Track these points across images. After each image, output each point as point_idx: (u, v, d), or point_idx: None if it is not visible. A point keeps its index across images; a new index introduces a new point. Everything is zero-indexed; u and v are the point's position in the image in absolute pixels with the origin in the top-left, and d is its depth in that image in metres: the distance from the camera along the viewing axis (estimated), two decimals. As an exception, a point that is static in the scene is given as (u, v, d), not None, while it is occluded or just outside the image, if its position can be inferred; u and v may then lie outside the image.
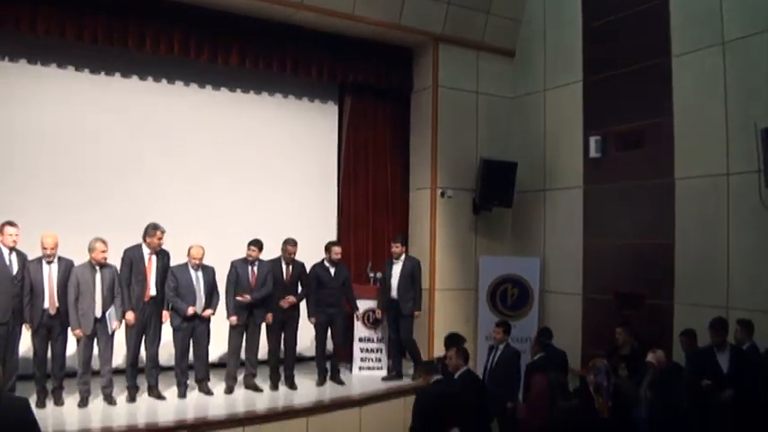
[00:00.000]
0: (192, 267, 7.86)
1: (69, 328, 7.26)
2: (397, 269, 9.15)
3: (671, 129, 8.66)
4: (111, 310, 7.32)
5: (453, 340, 7.39)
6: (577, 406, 5.72)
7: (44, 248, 7.09)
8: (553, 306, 10.18)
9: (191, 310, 7.71)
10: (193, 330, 7.88)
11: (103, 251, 7.25)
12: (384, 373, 9.30)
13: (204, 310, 7.86)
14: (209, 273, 8.01)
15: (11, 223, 6.99)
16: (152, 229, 7.63)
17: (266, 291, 8.29)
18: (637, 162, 9.11)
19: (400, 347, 9.26)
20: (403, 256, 9.21)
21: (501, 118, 10.76)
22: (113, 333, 7.41)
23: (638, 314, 8.78)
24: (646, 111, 8.99)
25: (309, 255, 8.85)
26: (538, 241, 10.44)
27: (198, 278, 7.87)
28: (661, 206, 8.72)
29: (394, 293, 9.09)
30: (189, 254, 7.88)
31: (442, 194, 10.21)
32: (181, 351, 7.87)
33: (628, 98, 9.21)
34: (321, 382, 8.77)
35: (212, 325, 8.04)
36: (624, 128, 9.26)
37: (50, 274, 7.16)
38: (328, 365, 8.95)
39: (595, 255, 9.59)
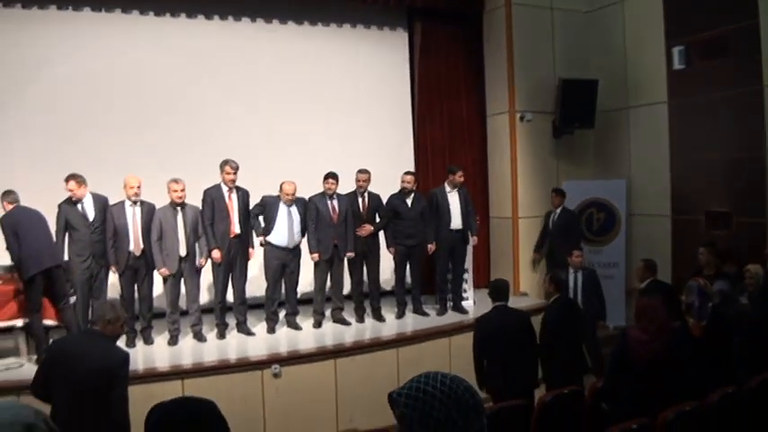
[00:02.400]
0: (285, 203, 7.81)
1: (155, 269, 7.33)
2: (454, 199, 8.75)
3: (757, 33, 8.08)
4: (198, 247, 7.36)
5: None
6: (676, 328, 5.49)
7: (130, 188, 7.13)
8: (641, 229, 9.82)
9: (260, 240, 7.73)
10: (284, 267, 7.87)
11: (175, 190, 7.25)
12: (471, 303, 9.15)
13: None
14: (300, 206, 7.96)
15: (74, 177, 6.98)
16: (223, 164, 7.58)
17: (383, 222, 8.40)
18: (723, 71, 8.56)
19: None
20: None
21: (578, 34, 10.26)
22: (200, 271, 7.47)
23: (729, 234, 8.38)
24: (729, 15, 8.39)
25: (386, 187, 8.67)
26: (623, 162, 10.03)
27: (290, 213, 7.84)
28: (749, 118, 8.23)
29: (458, 224, 8.75)
30: (281, 190, 7.81)
31: (521, 118, 9.85)
32: (271, 285, 7.89)
33: (710, 2, 8.63)
34: (400, 315, 8.69)
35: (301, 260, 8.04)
36: (708, 35, 8.68)
37: (134, 216, 7.21)
38: (409, 299, 8.86)
39: (683, 173, 9.15)
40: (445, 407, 1.77)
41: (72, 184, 6.93)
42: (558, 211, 9.33)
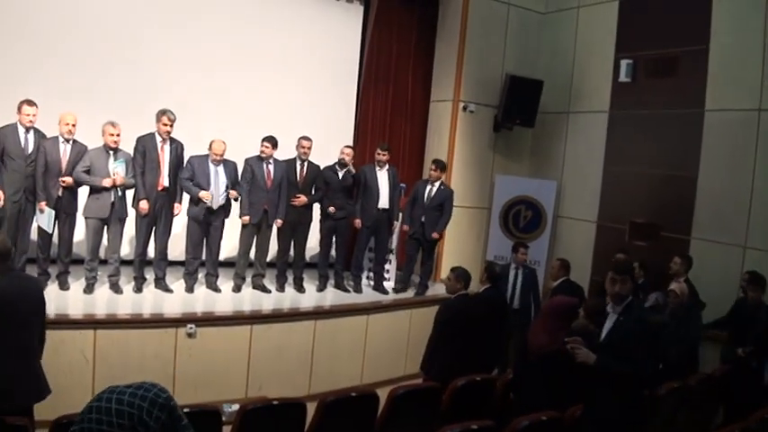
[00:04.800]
0: (213, 163, 7.65)
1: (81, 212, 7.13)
2: (383, 178, 8.75)
3: (706, 57, 8.32)
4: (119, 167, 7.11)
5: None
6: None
7: (65, 125, 6.87)
8: (565, 232, 10.05)
9: (203, 194, 7.50)
10: (208, 225, 7.74)
11: (112, 134, 7.01)
12: (392, 284, 9.19)
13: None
14: (230, 167, 7.81)
15: (29, 102, 6.75)
16: (160, 114, 7.36)
17: (319, 195, 8.35)
18: (667, 90, 8.78)
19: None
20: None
21: (531, 33, 10.36)
22: (124, 220, 7.27)
23: (652, 246, 8.63)
24: (681, 37, 8.61)
25: (326, 158, 8.63)
26: (556, 165, 10.21)
27: (217, 173, 7.67)
28: (687, 138, 8.47)
29: (385, 203, 8.74)
30: (210, 148, 7.65)
31: (465, 108, 9.91)
32: (193, 244, 7.75)
33: (664, 22, 8.82)
34: (321, 288, 8.68)
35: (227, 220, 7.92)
36: (657, 53, 8.89)
37: (65, 154, 6.95)
38: (332, 273, 8.86)
39: (614, 183, 9.38)
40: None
41: (32, 109, 6.72)
42: (437, 185, 8.94)
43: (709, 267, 7.83)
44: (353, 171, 8.67)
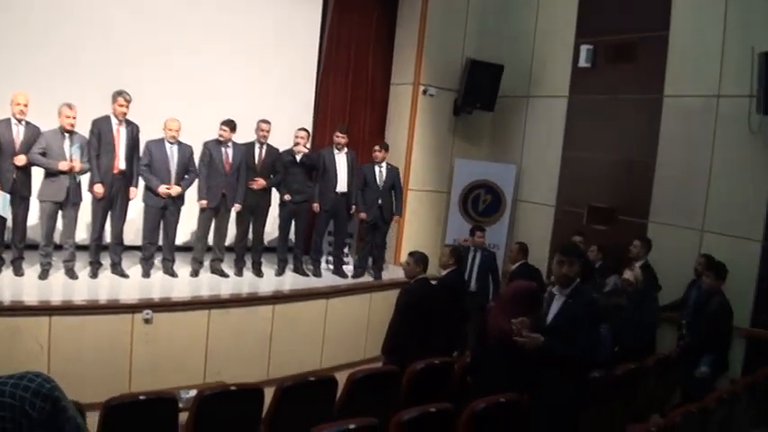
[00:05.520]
0: (168, 141, 7.54)
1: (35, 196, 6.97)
2: (342, 161, 8.74)
3: (665, 44, 8.42)
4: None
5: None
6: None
7: (16, 105, 6.69)
8: (524, 215, 10.11)
9: (162, 189, 7.44)
10: (164, 210, 7.63)
11: (68, 116, 6.87)
12: (351, 268, 9.16)
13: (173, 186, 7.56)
14: (185, 150, 7.70)
15: None
16: (116, 95, 7.20)
17: (277, 179, 8.30)
18: (626, 76, 8.87)
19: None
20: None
21: (492, 17, 10.33)
22: (79, 204, 7.13)
23: (611, 230, 8.74)
24: (641, 23, 8.69)
25: (285, 141, 8.53)
26: (515, 149, 10.25)
27: (173, 154, 7.57)
28: (646, 123, 8.57)
29: (343, 186, 8.73)
30: (165, 126, 7.54)
31: (424, 92, 9.91)
32: (149, 228, 7.65)
33: (624, 8, 8.89)
34: (280, 272, 8.62)
35: (183, 206, 7.81)
36: (617, 38, 8.97)
37: (18, 135, 6.78)
38: (291, 257, 8.82)
39: (573, 167, 9.46)
40: None
41: None
42: (385, 165, 8.89)
43: (666, 251, 7.95)
44: (307, 152, 8.53)
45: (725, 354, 6.56)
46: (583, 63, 9.24)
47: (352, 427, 3.67)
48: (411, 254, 6.46)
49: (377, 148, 8.87)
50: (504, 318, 4.83)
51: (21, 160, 6.71)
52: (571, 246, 5.19)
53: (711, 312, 6.50)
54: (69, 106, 6.89)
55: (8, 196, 6.74)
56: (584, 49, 9.22)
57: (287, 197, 8.43)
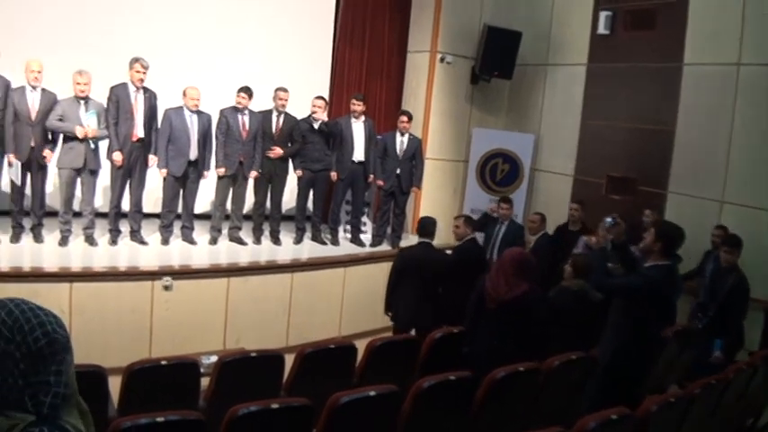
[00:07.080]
0: (188, 110, 7.54)
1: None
2: (359, 129, 8.69)
3: (685, 11, 8.26)
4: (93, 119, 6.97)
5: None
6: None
7: (30, 72, 6.67)
8: (543, 185, 10.04)
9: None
10: (185, 178, 7.66)
11: (79, 83, 6.84)
12: (369, 237, 9.18)
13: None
14: (204, 119, 7.69)
15: None
16: (133, 62, 7.19)
17: (295, 148, 8.26)
18: (645, 43, 8.73)
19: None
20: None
21: (510, -17, 10.20)
22: (98, 172, 7.16)
23: (629, 200, 8.68)
24: (661, -12, 8.56)
25: (302, 109, 8.52)
26: (534, 118, 10.16)
27: (193, 122, 7.57)
28: (666, 92, 8.44)
29: (360, 155, 8.71)
30: (185, 95, 7.54)
31: (442, 60, 9.81)
32: (169, 196, 7.68)
33: (644, -27, 8.76)
34: (298, 240, 8.64)
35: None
36: (637, 5, 8.84)
37: (33, 103, 6.77)
38: (309, 225, 8.83)
39: (592, 136, 9.36)
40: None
41: None
42: (407, 135, 8.87)
43: (685, 222, 7.79)
44: (325, 120, 8.51)
45: (739, 334, 6.52)
46: (602, 30, 9.10)
47: (372, 394, 3.70)
48: (457, 217, 6.66)
49: (404, 118, 8.81)
50: (505, 282, 4.84)
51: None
52: None
53: (726, 292, 6.43)
54: (80, 73, 6.87)
55: (19, 164, 6.76)
56: (603, 15, 9.08)
57: (298, 173, 8.45)
